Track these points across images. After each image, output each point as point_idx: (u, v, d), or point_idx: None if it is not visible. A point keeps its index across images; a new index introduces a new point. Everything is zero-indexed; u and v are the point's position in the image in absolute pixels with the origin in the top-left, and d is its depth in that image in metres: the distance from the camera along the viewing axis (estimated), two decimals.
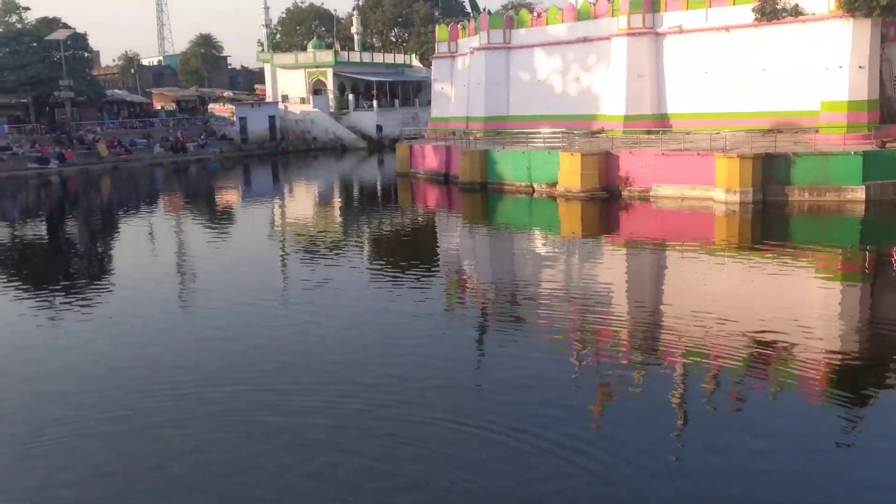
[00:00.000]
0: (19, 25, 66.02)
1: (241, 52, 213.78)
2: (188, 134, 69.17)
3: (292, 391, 13.17)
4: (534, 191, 36.02)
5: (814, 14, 34.88)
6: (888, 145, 30.72)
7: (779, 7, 35.93)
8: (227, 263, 25.35)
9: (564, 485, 9.98)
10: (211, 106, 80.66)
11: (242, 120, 70.71)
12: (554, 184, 34.85)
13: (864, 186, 29.29)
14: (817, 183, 29.91)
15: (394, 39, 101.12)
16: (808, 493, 9.74)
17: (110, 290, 21.82)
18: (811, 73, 34.75)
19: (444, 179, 42.24)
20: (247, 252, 27.45)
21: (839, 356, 14.49)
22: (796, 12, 35.50)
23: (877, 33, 33.22)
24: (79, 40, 65.68)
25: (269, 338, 16.25)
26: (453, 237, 29.92)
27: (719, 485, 9.91)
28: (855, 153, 29.92)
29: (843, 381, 13.24)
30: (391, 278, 22.36)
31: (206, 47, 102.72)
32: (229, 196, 46.67)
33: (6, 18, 66.44)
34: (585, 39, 43.03)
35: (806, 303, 18.44)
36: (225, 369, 14.37)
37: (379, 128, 73.50)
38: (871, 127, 32.82)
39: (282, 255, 26.89)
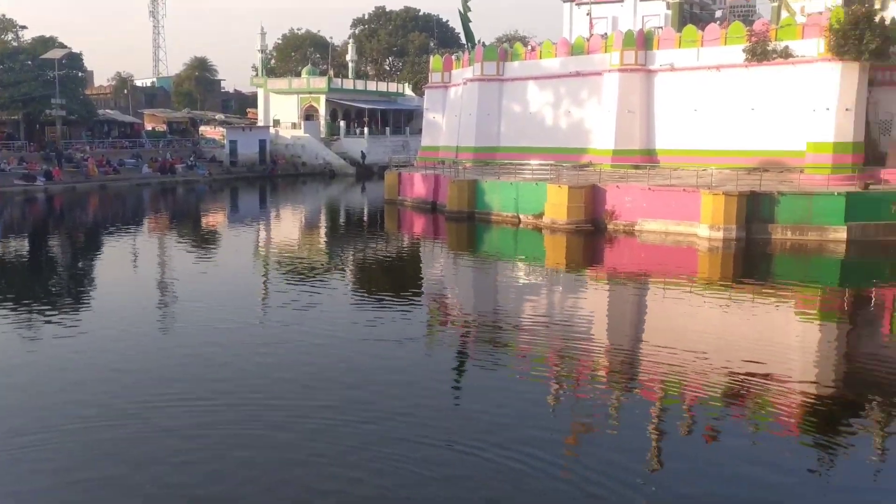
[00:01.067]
0: (15, 43, 66.13)
1: (235, 75, 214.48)
2: (178, 155, 69.11)
3: (269, 410, 13.05)
4: (520, 221, 36.05)
5: (803, 56, 35.28)
6: (871, 187, 30.94)
7: (769, 48, 36.34)
8: (210, 285, 25.17)
9: None
10: (202, 128, 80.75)
11: (233, 143, 70.74)
12: (540, 215, 34.90)
13: (846, 227, 29.44)
14: (800, 222, 30.06)
15: (388, 68, 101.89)
16: None
17: (87, 309, 21.60)
18: (798, 114, 35.08)
19: (431, 208, 42.25)
20: (230, 274, 27.29)
21: (815, 393, 14.41)
22: (786, 54, 35.90)
23: (864, 77, 33.62)
24: (74, 60, 65.80)
25: (248, 359, 16.09)
26: (438, 265, 29.84)
27: None
28: (838, 193, 30.12)
29: (818, 418, 13.17)
30: (374, 304, 22.23)
31: (201, 70, 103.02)
32: (216, 218, 46.52)
33: (2, 36, 66.52)
34: (578, 74, 43.37)
35: (784, 340, 18.40)
36: (197, 389, 14.18)
37: (363, 154, 73.64)
38: (856, 169, 33.09)
39: (265, 278, 26.72)
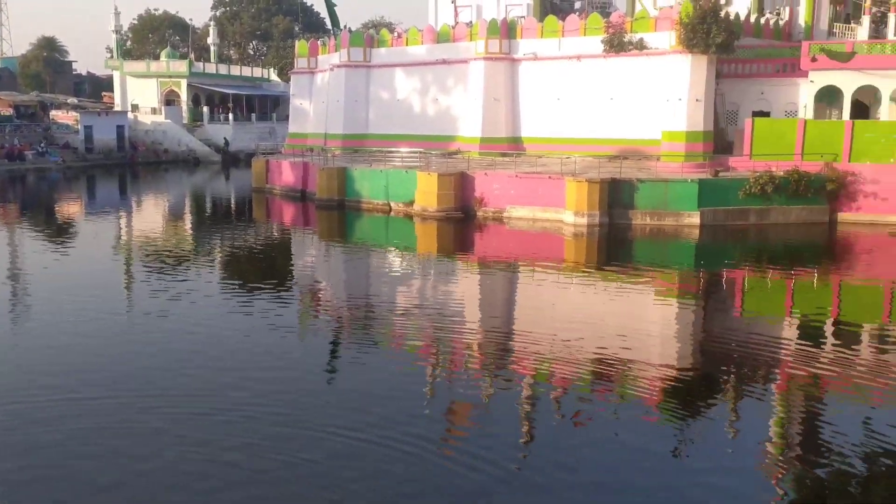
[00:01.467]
0: None
1: (88, 57, 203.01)
2: (27, 141, 65.16)
3: (139, 398, 12.77)
4: (391, 209, 36.20)
5: (657, 48, 37.00)
6: (721, 174, 32.89)
7: (625, 40, 37.88)
8: (69, 278, 23.98)
9: (411, 489, 10.23)
10: (53, 113, 76.31)
11: (88, 128, 67.31)
12: (411, 203, 35.17)
13: (699, 212, 31.21)
14: (658, 208, 31.63)
15: (252, 52, 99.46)
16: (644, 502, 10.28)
17: None
18: (654, 104, 36.81)
19: (300, 196, 41.76)
20: (90, 266, 26.10)
21: (675, 374, 15.32)
22: (641, 46, 37.53)
23: (712, 69, 35.61)
24: None
25: (114, 352, 15.57)
26: (309, 254, 29.61)
27: (564, 492, 10.30)
28: (691, 181, 31.87)
29: (679, 398, 14.02)
30: (243, 294, 21.85)
31: (49, 50, 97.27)
32: (71, 208, 44.23)
33: None
34: (444, 62, 43.81)
35: (646, 322, 19.42)
36: (63, 382, 13.62)
37: (226, 141, 71.78)
38: (706, 157, 35.08)
39: (127, 271, 25.73)
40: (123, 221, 39.20)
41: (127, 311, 19.75)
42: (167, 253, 28.89)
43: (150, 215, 41.96)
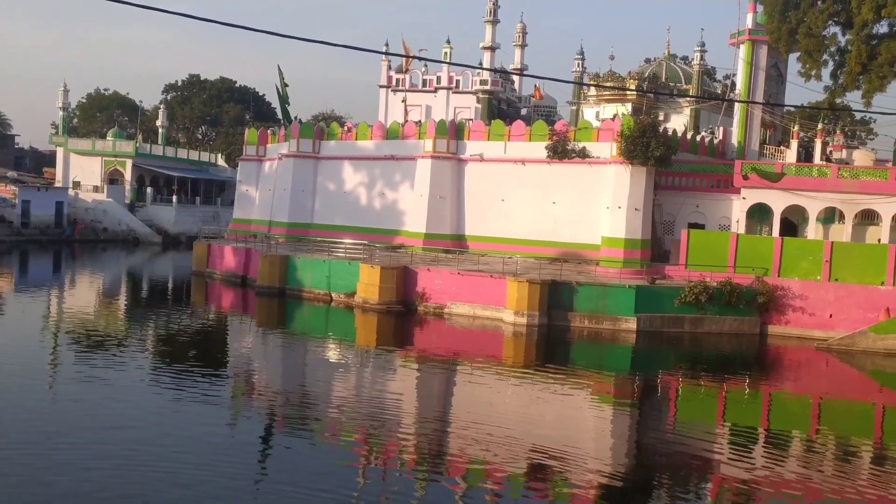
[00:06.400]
0: None
1: (32, 132, 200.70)
2: None
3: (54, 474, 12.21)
4: (332, 300, 36.06)
5: (598, 157, 38.34)
6: (657, 282, 33.75)
7: (569, 148, 39.21)
8: None
9: None
10: None
11: (26, 203, 66.06)
12: (352, 294, 35.13)
13: (636, 318, 31.81)
14: (596, 311, 32.15)
15: (200, 137, 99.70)
16: None
17: None
18: (595, 210, 37.88)
19: (241, 282, 41.35)
20: (14, 344, 25.25)
21: (609, 475, 15.36)
22: (584, 154, 38.86)
23: (651, 181, 36.99)
24: None
25: (33, 429, 14.98)
26: (245, 341, 29.18)
27: None
28: (629, 286, 32.60)
29: (611, 498, 14.03)
30: (174, 379, 21.34)
31: None
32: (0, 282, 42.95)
33: None
34: (392, 157, 44.60)
35: (581, 424, 19.53)
36: None
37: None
38: (644, 264, 36.04)
39: (54, 349, 24.96)
40: (54, 299, 38.17)
41: (40, 392, 19.06)
42: (95, 333, 28.16)
43: (82, 294, 40.96)
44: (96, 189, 71.79)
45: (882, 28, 41.17)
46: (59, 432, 15.56)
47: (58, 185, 73.39)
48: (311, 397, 20.29)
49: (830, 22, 41.66)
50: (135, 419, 16.82)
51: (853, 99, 46.96)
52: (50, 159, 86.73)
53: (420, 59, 48.35)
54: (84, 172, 73.53)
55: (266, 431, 17.05)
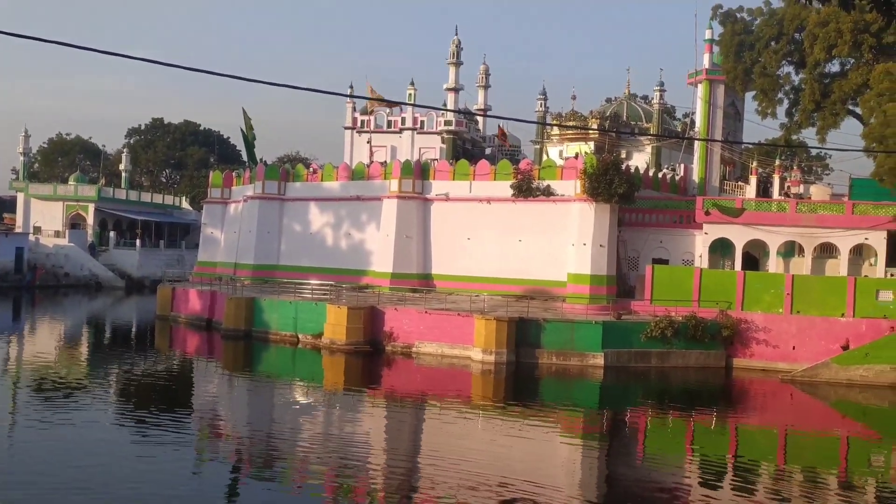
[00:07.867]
0: None
1: None
2: None
3: None
4: (299, 341, 35.78)
5: (563, 195, 38.73)
6: (623, 317, 33.99)
7: (533, 186, 39.58)
8: None
9: None
10: None
11: None
12: (319, 335, 34.89)
13: (603, 353, 31.95)
14: (564, 348, 32.24)
15: (164, 180, 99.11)
16: None
17: None
18: (560, 247, 38.15)
19: (206, 325, 40.87)
20: None
21: None
22: (548, 192, 39.25)
23: (615, 217, 37.41)
24: None
25: None
26: (211, 385, 28.78)
27: None
28: (596, 322, 32.78)
29: None
30: (137, 424, 20.97)
31: None
32: None
33: None
34: (358, 198, 44.68)
35: (550, 460, 19.49)
36: None
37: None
38: (610, 299, 36.30)
39: (13, 396, 24.40)
40: (14, 346, 37.39)
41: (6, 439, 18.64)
42: (55, 379, 27.61)
43: (42, 340, 40.18)
44: (57, 234, 70.85)
45: (834, 67, 42.57)
46: (10, 482, 15.17)
47: (18, 230, 72.30)
48: (278, 440, 20.04)
49: (784, 62, 42.99)
50: (97, 464, 16.47)
51: (808, 135, 48.28)
52: (10, 204, 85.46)
53: (385, 101, 48.72)
54: (45, 217, 72.62)
55: (232, 476, 16.78)
